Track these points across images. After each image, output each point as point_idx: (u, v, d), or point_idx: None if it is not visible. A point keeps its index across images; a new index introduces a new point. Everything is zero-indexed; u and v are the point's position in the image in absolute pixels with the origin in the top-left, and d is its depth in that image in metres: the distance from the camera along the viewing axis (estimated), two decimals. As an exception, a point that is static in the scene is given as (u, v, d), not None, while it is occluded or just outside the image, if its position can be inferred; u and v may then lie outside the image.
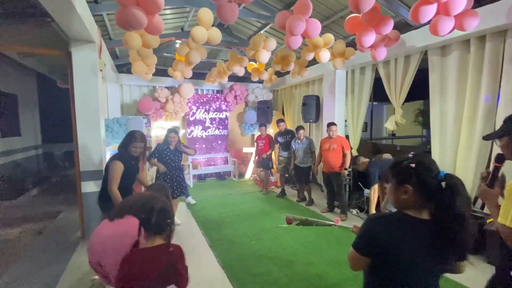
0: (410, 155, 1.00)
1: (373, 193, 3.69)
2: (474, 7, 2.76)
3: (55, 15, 2.55)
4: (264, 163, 5.53)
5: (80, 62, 3.20)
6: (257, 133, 6.82)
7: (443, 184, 0.91)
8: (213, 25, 3.17)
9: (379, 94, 5.42)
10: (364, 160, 3.83)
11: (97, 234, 1.42)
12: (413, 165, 0.96)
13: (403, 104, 4.17)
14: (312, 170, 4.76)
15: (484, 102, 3.11)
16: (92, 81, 3.28)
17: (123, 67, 5.90)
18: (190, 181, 6.19)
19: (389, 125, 4.28)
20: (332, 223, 1.57)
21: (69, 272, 2.71)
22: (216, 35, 3.12)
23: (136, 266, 1.17)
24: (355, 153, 5.18)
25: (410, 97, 4.11)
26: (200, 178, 6.83)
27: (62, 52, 3.21)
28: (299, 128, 4.74)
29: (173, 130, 3.75)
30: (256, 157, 5.67)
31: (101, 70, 3.43)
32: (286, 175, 5.41)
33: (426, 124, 11.11)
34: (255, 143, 5.67)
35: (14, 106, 6.43)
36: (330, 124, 4.22)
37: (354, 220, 4.04)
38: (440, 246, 0.90)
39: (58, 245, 3.27)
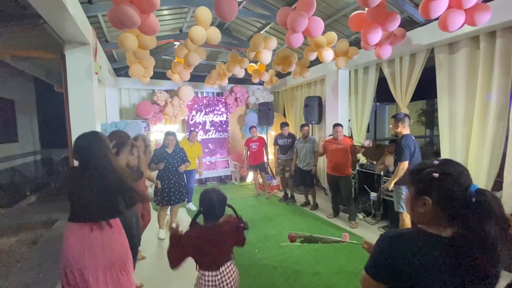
0: (436, 162, 0.84)
1: (399, 169, 2.92)
2: (484, 1, 2.64)
3: (47, 16, 2.44)
4: (260, 166, 5.40)
5: (75, 65, 3.09)
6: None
7: (474, 200, 0.75)
8: (212, 26, 3.07)
9: (381, 94, 5.28)
10: (406, 128, 2.99)
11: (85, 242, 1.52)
12: (436, 174, 0.80)
13: (405, 104, 4.04)
14: (314, 172, 4.62)
15: (496, 100, 2.97)
16: (87, 84, 3.17)
17: (121, 71, 5.79)
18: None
19: (395, 125, 4.14)
20: (340, 239, 1.42)
21: (63, 285, 2.57)
22: (215, 34, 3.01)
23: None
24: (359, 155, 5.03)
25: (412, 97, 3.99)
26: (201, 182, 6.70)
27: (55, 55, 3.11)
28: (304, 125, 4.63)
29: (171, 133, 3.65)
30: (248, 161, 5.51)
31: (96, 73, 3.31)
32: (287, 176, 5.27)
33: (429, 124, 10.99)
34: (246, 147, 5.51)
35: (11, 112, 6.35)
36: (336, 125, 4.05)
37: (361, 225, 3.88)
38: (466, 270, 0.75)
39: (53, 256, 3.14)
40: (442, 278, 0.75)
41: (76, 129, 3.15)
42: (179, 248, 1.42)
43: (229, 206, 1.56)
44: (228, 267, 1.49)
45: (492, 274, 0.74)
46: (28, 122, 7.23)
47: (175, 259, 1.42)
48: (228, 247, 1.50)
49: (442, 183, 0.80)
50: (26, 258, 3.12)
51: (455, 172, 0.80)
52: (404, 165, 2.91)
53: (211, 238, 1.43)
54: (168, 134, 3.65)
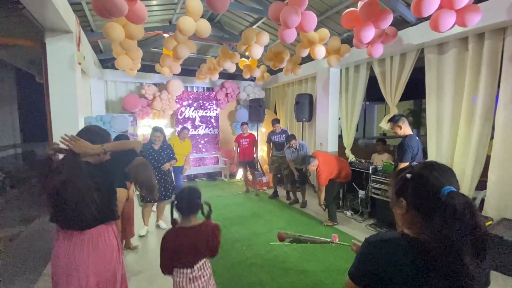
0: (414, 163, 0.86)
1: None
2: (475, 2, 2.66)
3: (26, 1, 2.29)
4: (250, 163, 5.36)
5: (56, 54, 2.93)
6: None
7: (444, 203, 0.72)
8: (203, 18, 2.98)
9: (370, 93, 5.32)
10: (408, 128, 2.91)
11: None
12: (409, 175, 0.81)
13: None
14: (304, 171, 4.60)
15: (482, 101, 3.03)
16: (69, 75, 3.01)
17: (108, 62, 5.58)
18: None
19: (384, 124, 4.17)
20: (329, 240, 1.42)
21: (43, 282, 2.46)
22: (205, 27, 2.91)
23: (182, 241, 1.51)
24: (348, 153, 5.08)
25: (400, 97, 4.03)
26: (190, 178, 6.60)
27: (35, 43, 2.93)
28: (292, 138, 4.44)
29: (159, 129, 3.54)
30: (238, 157, 5.42)
31: (79, 63, 3.17)
32: (279, 176, 5.25)
33: (415, 124, 11.21)
34: (236, 143, 5.43)
35: (-11, 103, 6.05)
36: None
37: (349, 223, 3.91)
38: (437, 278, 0.70)
39: (31, 254, 3.01)
40: (417, 285, 0.72)
41: (57, 122, 3.01)
42: (163, 254, 1.52)
43: (206, 203, 1.59)
44: (202, 264, 1.55)
45: (464, 284, 0.69)
46: (8, 114, 6.92)
47: (163, 264, 1.53)
48: (201, 248, 1.54)
49: (413, 184, 0.79)
50: (4, 255, 2.97)
51: (429, 174, 0.78)
52: (404, 165, 2.83)
53: (187, 238, 1.51)
54: (155, 130, 3.54)
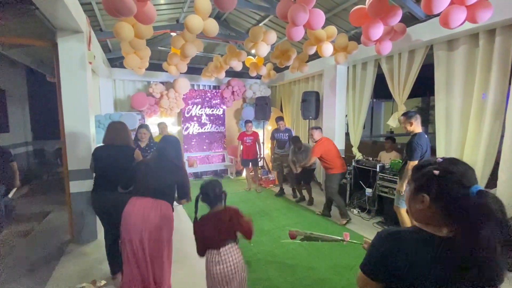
0: (440, 160, 0.83)
1: (409, 169, 2.81)
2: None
3: (39, 2, 2.35)
4: (253, 161, 5.39)
5: (67, 54, 2.99)
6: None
7: (474, 201, 0.73)
8: (210, 17, 3.00)
9: (377, 91, 5.26)
10: (419, 126, 2.88)
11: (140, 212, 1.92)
12: (436, 172, 0.79)
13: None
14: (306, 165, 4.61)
15: (493, 99, 2.99)
16: (80, 74, 3.08)
17: (116, 61, 5.66)
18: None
19: (392, 122, 4.15)
20: (340, 238, 1.43)
21: (56, 277, 2.54)
22: (213, 26, 2.94)
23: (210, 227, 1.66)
24: (355, 151, 5.06)
25: (408, 94, 3.99)
26: (196, 176, 6.66)
27: (47, 43, 3.00)
28: (297, 141, 4.49)
29: (144, 126, 3.61)
30: (241, 156, 5.44)
31: (90, 63, 3.22)
32: (284, 173, 5.27)
33: (423, 122, 11.07)
34: (239, 141, 5.43)
35: (2, 102, 6.17)
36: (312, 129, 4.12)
37: (356, 221, 3.91)
38: (460, 272, 0.72)
39: (45, 249, 3.09)
40: (436, 279, 0.73)
41: (69, 120, 3.08)
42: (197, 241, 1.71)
43: (224, 192, 1.74)
44: (230, 248, 1.65)
45: (489, 278, 0.71)
46: (20, 112, 7.05)
47: (198, 249, 1.71)
48: (227, 231, 1.66)
49: (441, 181, 0.78)
50: (17, 251, 3.06)
51: (457, 171, 0.78)
52: (414, 164, 2.79)
53: (211, 223, 1.67)
54: (140, 127, 3.62)
